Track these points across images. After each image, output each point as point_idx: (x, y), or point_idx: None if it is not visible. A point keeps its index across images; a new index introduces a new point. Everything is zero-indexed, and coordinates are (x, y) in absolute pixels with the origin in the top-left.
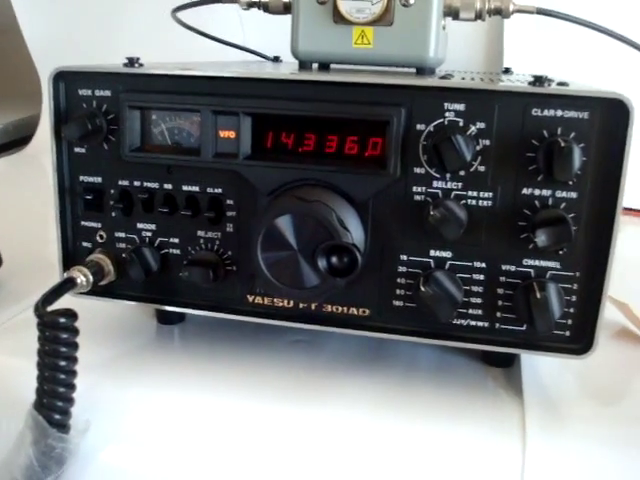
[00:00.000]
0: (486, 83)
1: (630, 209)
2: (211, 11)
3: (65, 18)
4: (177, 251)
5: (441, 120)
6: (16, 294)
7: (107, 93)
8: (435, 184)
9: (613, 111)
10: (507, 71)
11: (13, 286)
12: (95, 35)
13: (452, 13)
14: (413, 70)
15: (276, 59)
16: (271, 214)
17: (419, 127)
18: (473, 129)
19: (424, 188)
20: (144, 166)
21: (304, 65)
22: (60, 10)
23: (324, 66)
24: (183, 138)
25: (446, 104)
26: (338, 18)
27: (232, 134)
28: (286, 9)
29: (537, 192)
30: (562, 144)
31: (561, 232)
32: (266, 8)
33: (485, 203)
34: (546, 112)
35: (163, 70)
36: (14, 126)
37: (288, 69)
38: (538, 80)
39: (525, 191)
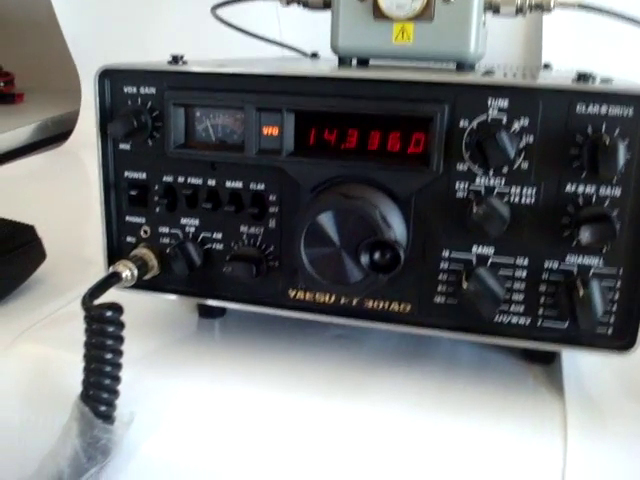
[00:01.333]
0: (530, 80)
1: None
2: (248, 7)
3: (103, 14)
4: (220, 246)
5: (484, 117)
6: (60, 288)
7: (152, 90)
8: (478, 181)
9: None
10: (547, 67)
11: (57, 280)
12: (133, 31)
13: (493, 8)
14: (453, 65)
15: (314, 55)
16: (314, 210)
17: (462, 124)
18: (517, 125)
19: (467, 185)
20: (188, 162)
21: (344, 61)
22: (98, 6)
23: (363, 62)
24: (227, 135)
25: (490, 100)
26: (378, 14)
27: (275, 131)
28: (326, 5)
29: (581, 189)
30: (607, 141)
31: (605, 229)
32: (306, 4)
33: (528, 200)
34: (590, 109)
35: (207, 68)
36: (53, 122)
37: (328, 65)
38: (582, 77)
39: (569, 188)
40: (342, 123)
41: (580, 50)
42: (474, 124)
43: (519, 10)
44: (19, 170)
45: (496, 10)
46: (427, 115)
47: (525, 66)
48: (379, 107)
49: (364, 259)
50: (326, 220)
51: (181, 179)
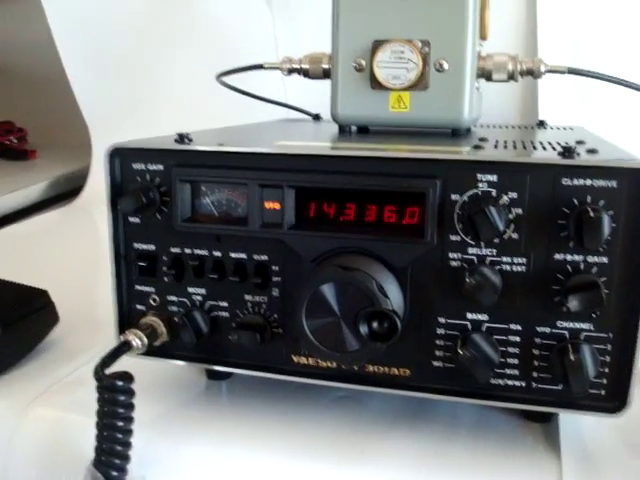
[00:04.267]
0: (517, 155)
1: None
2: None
3: (113, 73)
4: (226, 314)
5: (475, 190)
6: (73, 350)
7: (160, 167)
8: (470, 251)
9: None
10: (541, 124)
11: (70, 342)
12: (142, 92)
13: (485, 75)
14: (449, 131)
15: (317, 117)
16: (314, 282)
17: (454, 197)
18: (506, 199)
19: (460, 254)
20: (194, 235)
21: (343, 128)
22: (108, 64)
23: (363, 129)
24: (231, 208)
25: (479, 175)
26: (375, 84)
27: (277, 205)
28: (325, 75)
29: (569, 257)
30: (591, 214)
31: (593, 297)
32: (306, 74)
33: (519, 268)
34: (575, 181)
35: (211, 147)
36: (65, 178)
37: (328, 134)
38: (567, 151)
39: (557, 257)
40: (340, 197)
41: (576, 105)
42: (465, 197)
43: (511, 77)
44: (32, 227)
45: (489, 77)
46: (421, 190)
47: (520, 125)
48: (374, 183)
49: (363, 329)
50: (326, 291)
51: (188, 250)
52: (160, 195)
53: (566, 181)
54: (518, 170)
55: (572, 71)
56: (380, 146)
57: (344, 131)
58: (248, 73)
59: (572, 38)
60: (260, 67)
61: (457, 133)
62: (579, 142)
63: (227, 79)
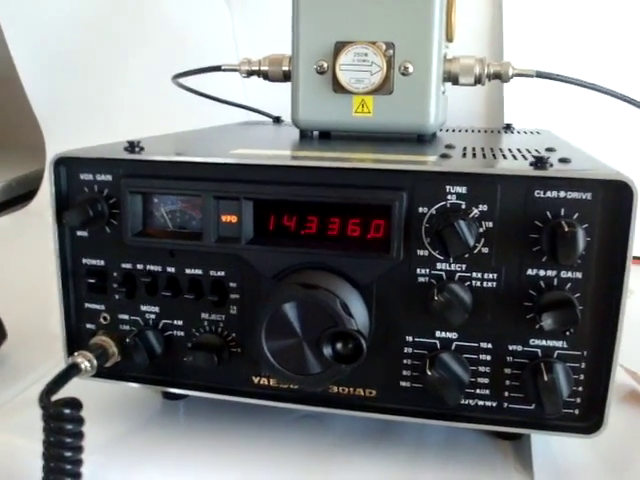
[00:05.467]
0: (487, 165)
1: None
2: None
3: (67, 76)
4: (181, 333)
5: (443, 203)
6: (21, 369)
7: (108, 177)
8: (439, 266)
9: (616, 193)
10: (508, 127)
11: (17, 360)
12: (97, 91)
13: (452, 78)
14: (414, 136)
15: (277, 120)
16: (275, 301)
17: (421, 210)
18: (475, 211)
19: (428, 270)
20: (147, 249)
21: (305, 133)
22: (62, 67)
23: (325, 134)
24: (185, 221)
25: (448, 187)
26: (338, 87)
27: (234, 219)
28: (286, 77)
29: (542, 273)
30: (565, 229)
31: (567, 315)
32: (266, 76)
33: (490, 284)
34: (549, 194)
35: (163, 156)
36: (17, 182)
37: (289, 140)
38: (539, 161)
39: (530, 272)
40: (302, 209)
41: (543, 107)
42: (433, 210)
43: (478, 80)
44: None
45: (455, 80)
46: (386, 203)
47: (487, 129)
48: (338, 195)
49: (326, 350)
50: (287, 311)
51: (140, 266)
52: (109, 207)
53: (539, 193)
54: (488, 181)
55: (540, 75)
56: (343, 155)
57: (305, 136)
58: (208, 75)
59: (538, 39)
60: (218, 69)
61: (423, 139)
62: (549, 149)
63: (185, 80)
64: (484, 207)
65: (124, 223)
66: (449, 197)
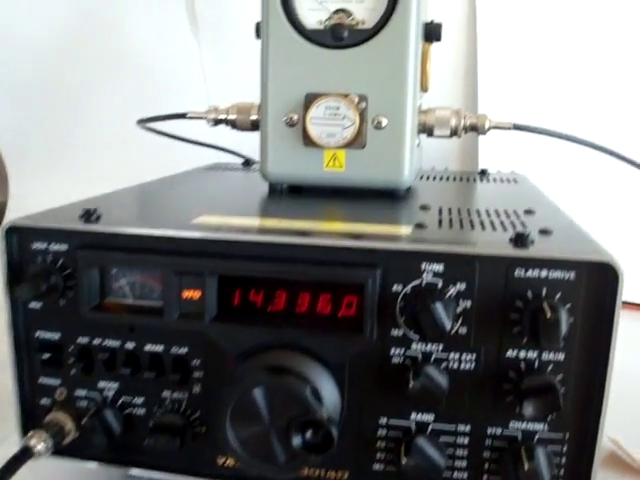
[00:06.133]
0: (465, 243)
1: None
2: (183, 109)
3: (32, 107)
4: (142, 411)
5: (418, 281)
6: None
7: (63, 247)
8: (414, 346)
9: (601, 273)
10: (483, 173)
11: None
12: (61, 125)
13: (426, 130)
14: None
15: (247, 163)
16: (240, 387)
17: (395, 288)
18: (453, 290)
19: (402, 350)
20: (105, 324)
21: (274, 187)
22: (26, 97)
23: (295, 188)
24: (145, 294)
25: (423, 264)
26: (308, 141)
27: (197, 294)
28: (254, 127)
29: (522, 354)
30: (548, 315)
31: (549, 402)
32: (234, 125)
33: (468, 366)
34: (530, 273)
35: (121, 228)
36: None
37: (257, 195)
38: (520, 238)
39: (510, 353)
40: (269, 284)
41: (517, 151)
42: (408, 288)
43: (454, 132)
44: None
45: (430, 132)
46: (358, 281)
47: (462, 175)
48: (307, 272)
49: (295, 439)
50: (253, 397)
51: (97, 341)
52: (64, 279)
53: (519, 272)
54: (467, 259)
55: (517, 127)
56: (314, 225)
57: (275, 190)
58: (176, 105)
59: (513, 86)
60: (183, 116)
61: (397, 194)
62: (528, 212)
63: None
64: (462, 286)
65: (80, 296)
66: (425, 275)
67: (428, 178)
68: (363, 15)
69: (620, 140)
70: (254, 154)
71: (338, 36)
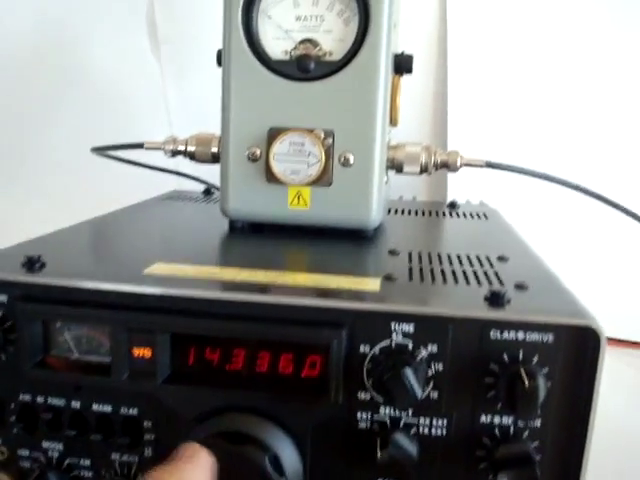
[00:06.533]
0: (437, 301)
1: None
2: (144, 133)
3: None
4: (89, 474)
5: (387, 342)
6: None
7: (2, 298)
8: (382, 410)
9: (581, 337)
10: (453, 206)
11: None
12: (16, 146)
13: (395, 166)
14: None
15: (208, 192)
16: None
17: (363, 349)
18: (424, 353)
19: (370, 415)
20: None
21: (234, 225)
22: None
23: (257, 227)
24: (92, 349)
25: (393, 324)
26: (271, 177)
27: (148, 352)
28: (215, 159)
29: (497, 420)
30: (525, 383)
31: (525, 474)
32: (192, 157)
33: (439, 431)
34: (505, 335)
35: (66, 280)
36: None
37: (217, 234)
38: (495, 297)
39: (483, 419)
40: (227, 342)
41: (485, 183)
42: (376, 350)
43: (424, 169)
44: None
45: (399, 169)
46: (322, 342)
47: (431, 209)
48: (268, 331)
49: None
50: None
51: (40, 399)
52: (4, 332)
53: (494, 334)
54: (438, 320)
55: (490, 165)
56: (276, 276)
57: (235, 228)
58: (136, 128)
59: (483, 121)
60: (140, 146)
61: (364, 234)
62: (501, 258)
63: (116, 138)
64: (433, 347)
65: (21, 352)
66: (394, 335)
67: (396, 212)
68: (331, 46)
69: (591, 175)
70: (216, 179)
71: (304, 68)
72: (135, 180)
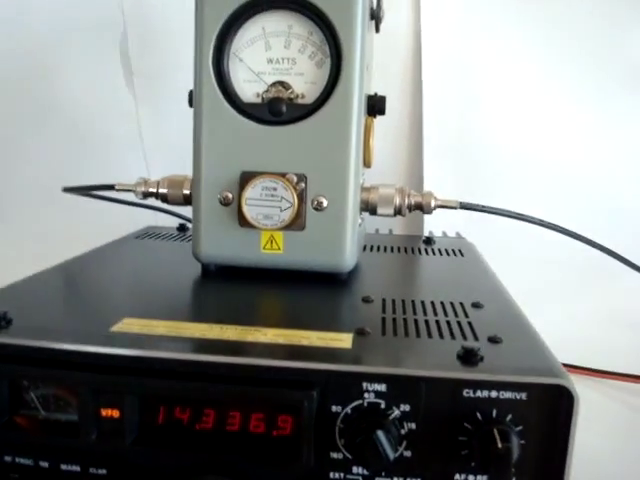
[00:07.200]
0: (411, 365)
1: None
2: (116, 162)
3: None
4: None
5: (360, 402)
6: None
7: None
8: (355, 470)
9: (555, 395)
10: (429, 241)
11: None
12: None
13: (369, 209)
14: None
15: (182, 228)
16: None
17: (335, 409)
18: (397, 412)
19: (342, 475)
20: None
21: (207, 269)
22: None
23: (229, 270)
24: (60, 407)
25: (365, 384)
26: (244, 222)
27: (116, 413)
28: (187, 201)
29: (471, 478)
30: (499, 444)
31: None
32: (164, 199)
33: None
34: (479, 393)
35: (31, 340)
36: None
37: (188, 280)
38: (468, 355)
39: (457, 478)
40: (196, 401)
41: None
42: (348, 409)
43: (398, 211)
44: None
45: (373, 210)
46: (293, 403)
47: (407, 241)
48: (239, 392)
49: None
50: None
51: (8, 458)
52: None
53: (467, 393)
54: (411, 380)
55: (464, 206)
56: (247, 332)
57: (208, 273)
58: (110, 162)
59: (458, 161)
60: (111, 188)
61: (338, 277)
62: (476, 305)
63: (92, 169)
64: (406, 407)
65: None
66: (366, 395)
67: (372, 248)
68: (303, 89)
69: (567, 211)
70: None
71: (276, 111)
72: (110, 216)
